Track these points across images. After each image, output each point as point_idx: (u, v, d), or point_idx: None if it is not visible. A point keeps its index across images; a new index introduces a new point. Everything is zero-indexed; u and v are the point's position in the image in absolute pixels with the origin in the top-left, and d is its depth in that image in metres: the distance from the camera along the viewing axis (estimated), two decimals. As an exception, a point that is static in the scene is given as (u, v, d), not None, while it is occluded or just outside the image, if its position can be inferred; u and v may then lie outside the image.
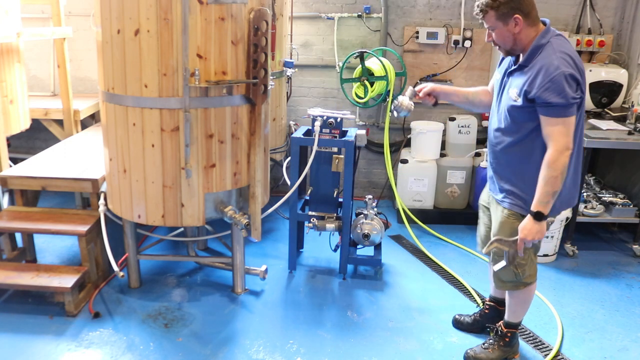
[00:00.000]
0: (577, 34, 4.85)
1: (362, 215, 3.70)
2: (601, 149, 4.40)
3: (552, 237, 3.97)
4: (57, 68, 4.40)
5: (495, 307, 3.05)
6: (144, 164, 3.02)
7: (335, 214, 3.70)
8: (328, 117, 3.53)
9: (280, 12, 4.24)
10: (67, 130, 4.46)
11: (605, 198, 4.28)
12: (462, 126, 4.66)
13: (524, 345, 2.99)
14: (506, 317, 2.85)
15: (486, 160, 4.54)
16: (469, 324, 3.13)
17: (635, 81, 4.65)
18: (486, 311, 3.10)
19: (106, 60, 2.98)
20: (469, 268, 3.93)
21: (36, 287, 3.17)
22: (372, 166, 5.38)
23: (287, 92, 4.81)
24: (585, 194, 4.33)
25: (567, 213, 3.92)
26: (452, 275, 3.80)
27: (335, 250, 3.78)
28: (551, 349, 2.98)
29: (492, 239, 2.54)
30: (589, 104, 4.59)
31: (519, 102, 2.37)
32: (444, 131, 4.76)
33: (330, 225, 3.63)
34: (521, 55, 2.43)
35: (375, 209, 3.74)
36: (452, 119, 4.72)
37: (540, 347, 3.02)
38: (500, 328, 2.86)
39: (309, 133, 3.73)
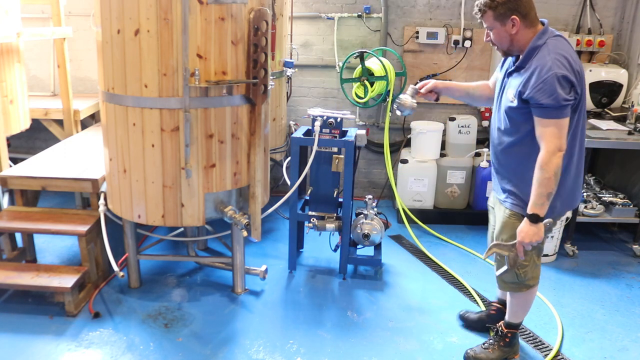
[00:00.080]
0: (577, 34, 4.85)
1: (362, 215, 3.70)
2: (601, 149, 4.40)
3: (552, 237, 3.97)
4: (57, 68, 4.40)
5: (502, 310, 3.04)
6: (144, 164, 3.02)
7: (335, 214, 3.70)
8: (328, 117, 3.53)
9: (280, 12, 4.24)
10: (67, 130, 4.46)
11: (605, 198, 4.28)
12: (462, 126, 4.66)
13: (524, 345, 2.99)
14: (507, 317, 2.85)
15: (486, 161, 4.55)
16: (472, 320, 3.14)
17: (635, 81, 4.65)
18: (492, 312, 3.09)
19: (106, 60, 2.98)
20: (469, 268, 3.93)
21: (36, 287, 3.17)
22: (372, 166, 5.38)
23: (287, 92, 4.81)
24: (585, 194, 4.33)
25: (567, 213, 3.91)
26: (452, 275, 3.80)
27: (335, 250, 3.78)
28: (551, 349, 2.98)
29: (490, 244, 2.53)
30: (589, 104, 4.59)
31: (515, 103, 2.38)
32: (444, 131, 4.76)
33: (330, 225, 3.63)
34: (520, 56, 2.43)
35: (375, 209, 3.74)
36: (452, 119, 4.72)
37: (540, 347, 3.02)
38: (500, 328, 2.86)
39: (309, 133, 3.73)
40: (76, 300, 3.20)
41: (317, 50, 5.06)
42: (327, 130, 3.57)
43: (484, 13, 2.38)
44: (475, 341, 3.00)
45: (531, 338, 3.09)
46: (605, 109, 4.65)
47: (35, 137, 5.24)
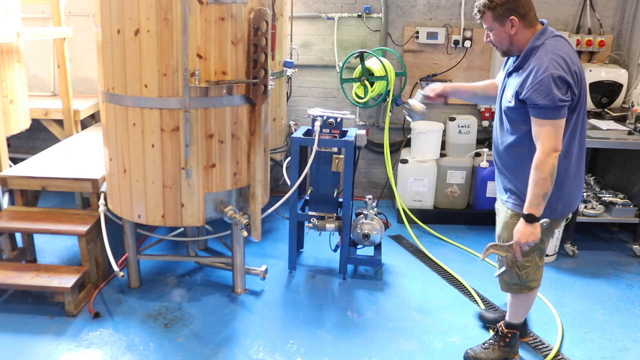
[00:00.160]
0: (577, 34, 4.85)
1: (362, 215, 3.70)
2: (601, 149, 4.40)
3: (552, 237, 3.96)
4: (57, 68, 4.41)
5: None
6: (144, 164, 3.02)
7: (335, 214, 3.70)
8: (328, 117, 3.53)
9: (280, 12, 4.24)
10: (67, 130, 4.46)
11: (605, 198, 4.28)
12: (462, 126, 4.66)
13: (524, 346, 2.99)
14: (507, 317, 2.85)
15: (486, 161, 4.56)
16: (490, 319, 3.14)
17: (635, 81, 4.65)
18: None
19: (106, 60, 2.98)
20: (469, 268, 3.93)
21: (36, 287, 3.17)
22: (372, 166, 5.38)
23: (287, 92, 4.81)
24: (585, 194, 4.33)
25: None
26: (452, 275, 3.80)
27: (335, 250, 3.78)
28: (551, 349, 2.98)
29: (487, 245, 2.53)
30: (589, 104, 4.59)
31: (513, 103, 2.39)
32: (444, 131, 4.76)
33: (330, 225, 3.63)
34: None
35: (375, 209, 3.74)
36: (452, 119, 4.72)
37: (540, 347, 3.02)
38: (500, 328, 2.86)
39: (309, 133, 3.73)
40: (76, 300, 3.20)
41: (317, 50, 5.06)
42: (327, 130, 3.57)
43: (483, 14, 2.39)
44: (475, 341, 3.00)
45: (531, 338, 3.09)
46: (605, 109, 4.65)
47: (35, 137, 5.24)
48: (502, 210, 2.64)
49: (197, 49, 2.83)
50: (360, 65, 4.35)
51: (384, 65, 4.36)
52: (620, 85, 4.60)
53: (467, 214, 4.75)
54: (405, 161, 4.70)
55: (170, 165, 3.00)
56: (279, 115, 4.52)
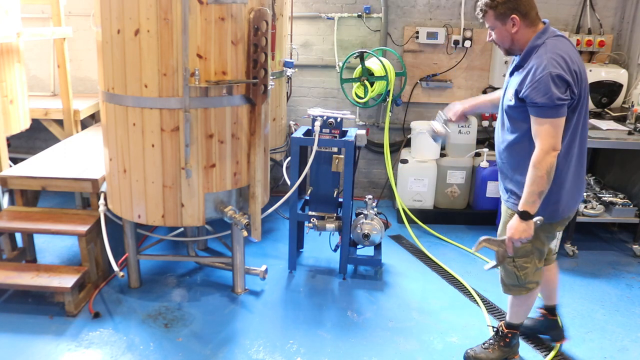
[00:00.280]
0: (577, 34, 4.85)
1: (362, 215, 3.70)
2: (601, 149, 4.40)
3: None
4: (57, 68, 4.41)
5: (547, 317, 3.02)
6: (144, 164, 3.02)
7: (335, 214, 3.70)
8: (328, 117, 3.53)
9: (280, 12, 4.24)
10: (67, 130, 4.46)
11: (605, 198, 4.28)
12: (462, 126, 4.66)
13: (524, 346, 2.99)
14: (507, 317, 2.85)
15: (486, 161, 4.56)
16: (527, 326, 3.08)
17: (635, 81, 4.65)
18: (540, 319, 3.07)
19: (106, 60, 2.98)
20: (469, 268, 3.93)
21: (36, 287, 3.17)
22: (372, 166, 5.38)
23: (287, 92, 4.81)
24: (585, 194, 4.33)
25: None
26: (452, 275, 3.80)
27: (335, 250, 3.78)
28: (551, 349, 2.98)
29: (480, 238, 2.54)
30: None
31: (513, 102, 2.39)
32: (444, 131, 4.76)
33: (330, 225, 3.63)
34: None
35: (375, 209, 3.74)
36: (452, 119, 4.71)
37: (540, 347, 3.02)
38: (501, 328, 2.86)
39: (309, 133, 3.73)
40: (76, 300, 3.20)
41: (317, 50, 5.06)
42: (327, 130, 3.57)
43: (485, 13, 2.41)
44: (475, 341, 3.00)
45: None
46: (605, 109, 4.65)
47: (35, 137, 5.24)
48: (503, 209, 2.65)
49: (197, 49, 2.83)
50: (360, 65, 4.35)
51: (384, 65, 4.36)
52: (620, 85, 4.60)
53: (467, 214, 4.75)
54: (405, 161, 4.70)
55: (170, 165, 3.00)
56: (279, 115, 4.52)
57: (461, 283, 3.69)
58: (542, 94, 2.23)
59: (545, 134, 2.27)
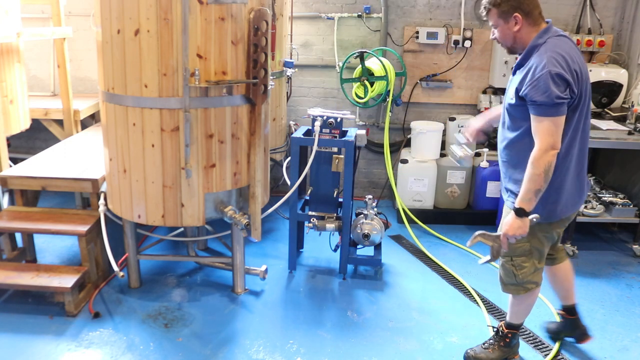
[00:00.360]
0: (577, 34, 4.85)
1: (362, 215, 3.70)
2: (601, 149, 4.40)
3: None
4: (57, 68, 4.41)
5: (565, 317, 3.02)
6: (144, 164, 3.02)
7: (335, 214, 3.70)
8: (328, 117, 3.53)
9: (280, 12, 4.24)
10: (67, 130, 4.46)
11: (605, 198, 4.28)
12: (462, 126, 4.65)
13: (524, 346, 2.99)
14: (507, 317, 2.85)
15: (486, 161, 4.55)
16: (553, 331, 3.09)
17: (635, 81, 4.65)
18: (562, 321, 3.07)
19: (106, 60, 2.98)
20: (469, 268, 3.93)
21: (36, 287, 3.17)
22: (372, 166, 5.38)
23: (287, 92, 4.81)
24: (585, 194, 4.33)
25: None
26: (452, 275, 3.80)
27: (335, 250, 3.78)
28: (551, 349, 2.98)
29: (475, 233, 2.55)
30: (589, 104, 4.59)
31: (514, 100, 2.41)
32: (444, 131, 4.76)
33: (330, 225, 3.63)
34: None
35: (375, 209, 3.74)
36: (452, 119, 4.72)
37: (540, 347, 3.02)
38: (501, 328, 2.86)
39: (309, 133, 3.73)
40: (76, 300, 3.20)
41: (317, 50, 5.06)
42: (327, 130, 3.57)
43: (489, 11, 2.44)
44: (475, 341, 3.00)
45: (531, 338, 3.09)
46: (605, 109, 4.65)
47: (35, 137, 5.24)
48: (505, 210, 2.66)
49: (197, 49, 2.83)
50: (360, 65, 4.35)
51: (384, 65, 4.36)
52: (620, 85, 4.60)
53: (467, 214, 4.75)
54: (405, 161, 4.70)
55: (170, 165, 3.00)
56: (279, 115, 4.52)
57: (461, 283, 3.69)
58: (541, 92, 2.24)
59: (544, 132, 2.27)
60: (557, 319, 3.22)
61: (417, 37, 4.87)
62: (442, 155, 4.73)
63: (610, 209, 4.20)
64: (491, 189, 4.57)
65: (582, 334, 3.01)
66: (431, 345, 3.02)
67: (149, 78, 2.87)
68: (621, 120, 4.43)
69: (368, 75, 4.35)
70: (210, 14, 2.82)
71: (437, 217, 4.72)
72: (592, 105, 4.61)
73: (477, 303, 3.44)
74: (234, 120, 3.06)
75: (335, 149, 3.59)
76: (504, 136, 2.56)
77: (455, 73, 5.00)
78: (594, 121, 4.36)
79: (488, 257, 2.54)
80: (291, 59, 4.74)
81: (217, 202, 3.15)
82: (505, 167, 2.59)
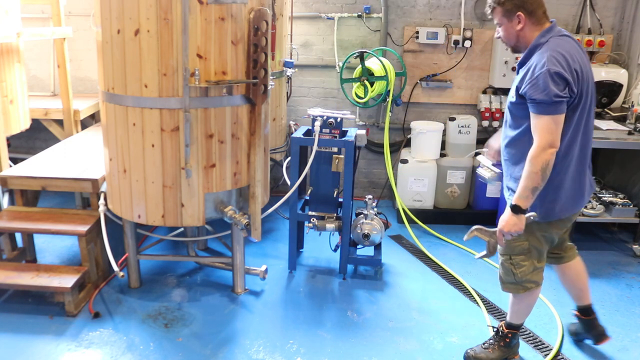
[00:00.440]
0: (577, 34, 4.85)
1: (362, 215, 3.70)
2: (601, 149, 4.39)
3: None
4: (57, 68, 4.41)
5: (580, 317, 3.00)
6: (144, 164, 3.02)
7: (335, 214, 3.70)
8: (328, 117, 3.54)
9: (280, 12, 4.24)
10: (67, 130, 4.46)
11: (605, 198, 4.28)
12: (462, 126, 4.66)
13: (524, 345, 2.99)
14: (508, 317, 2.85)
15: (486, 160, 4.55)
16: (573, 332, 3.08)
17: (635, 81, 4.64)
18: (577, 321, 3.06)
19: (106, 60, 2.98)
20: (469, 268, 3.93)
21: (36, 287, 3.17)
22: (372, 166, 5.38)
23: (287, 92, 4.81)
24: (585, 194, 4.33)
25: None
26: (452, 275, 3.80)
27: (335, 250, 3.78)
28: (551, 349, 2.98)
29: (472, 227, 2.55)
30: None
31: (514, 98, 2.42)
32: (444, 131, 4.76)
33: (330, 225, 3.63)
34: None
35: (375, 209, 3.74)
36: (452, 119, 4.72)
37: (540, 347, 3.02)
38: (501, 328, 2.86)
39: (309, 133, 3.73)
40: (76, 300, 3.20)
41: (317, 50, 5.06)
42: (327, 130, 3.57)
43: (494, 9, 2.47)
44: (475, 341, 3.00)
45: (531, 338, 3.09)
46: (605, 109, 4.65)
47: (35, 137, 5.24)
48: (506, 207, 2.66)
49: (197, 49, 2.83)
50: (360, 65, 4.35)
51: (384, 65, 4.36)
52: (620, 85, 4.60)
53: (467, 214, 4.75)
54: (405, 161, 4.70)
55: (170, 165, 3.00)
56: (279, 115, 4.52)
57: (461, 283, 3.69)
58: (540, 91, 2.25)
59: (543, 130, 2.28)
60: (558, 320, 3.22)
61: (417, 37, 4.87)
62: (442, 155, 4.74)
63: (610, 209, 4.21)
64: (491, 189, 4.58)
65: (599, 335, 2.96)
66: (431, 345, 3.02)
67: (149, 78, 2.87)
68: (621, 120, 4.43)
69: (368, 75, 4.35)
70: (210, 14, 2.82)
71: (437, 217, 4.72)
72: (593, 106, 4.63)
73: (477, 303, 3.44)
74: (234, 120, 3.06)
75: (335, 149, 3.59)
76: (506, 134, 2.57)
77: (455, 73, 5.00)
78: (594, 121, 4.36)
79: (484, 253, 2.56)
80: (291, 59, 4.74)
81: (217, 202, 3.15)
82: (507, 165, 2.60)
